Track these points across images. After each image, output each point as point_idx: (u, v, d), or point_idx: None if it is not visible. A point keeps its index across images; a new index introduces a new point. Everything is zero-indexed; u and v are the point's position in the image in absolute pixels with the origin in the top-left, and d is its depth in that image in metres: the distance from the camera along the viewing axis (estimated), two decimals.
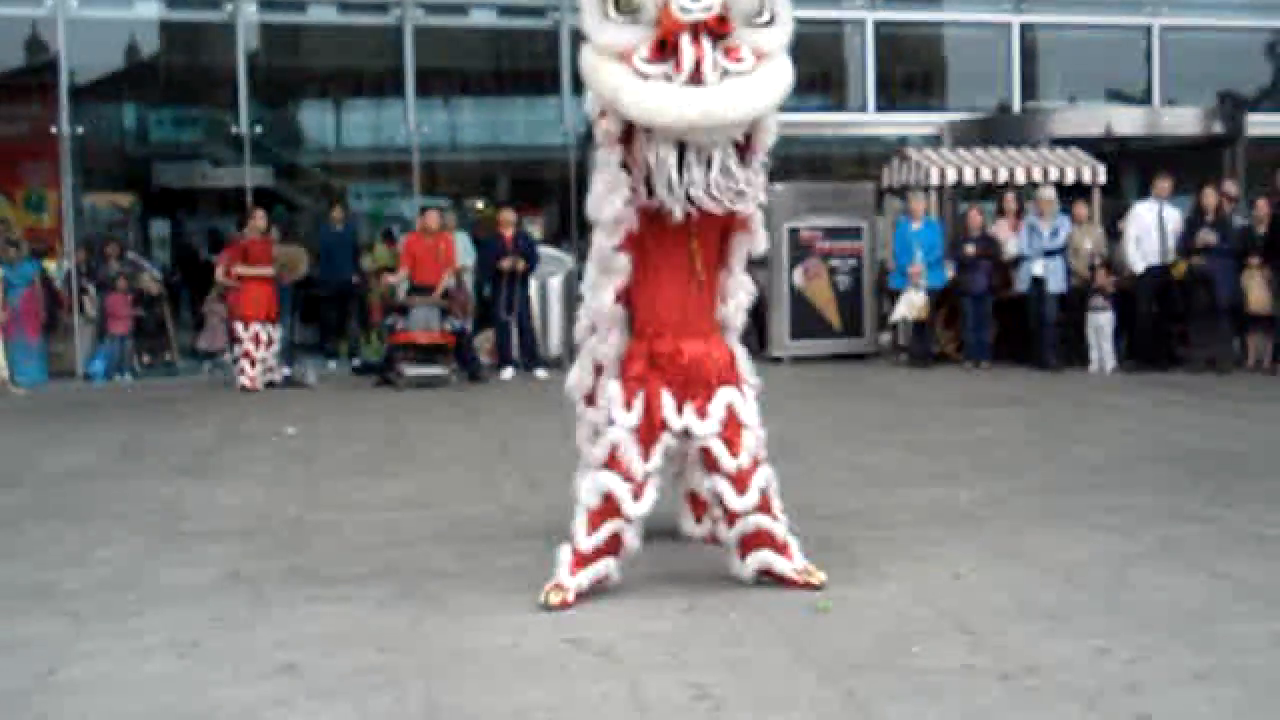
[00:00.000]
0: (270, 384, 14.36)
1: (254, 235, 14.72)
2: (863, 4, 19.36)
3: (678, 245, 5.68)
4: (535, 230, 16.08)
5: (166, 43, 19.39)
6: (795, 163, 17.84)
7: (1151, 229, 14.05)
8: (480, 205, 21.03)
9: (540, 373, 14.82)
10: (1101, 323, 14.21)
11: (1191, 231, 13.86)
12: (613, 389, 5.73)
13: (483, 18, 19.13)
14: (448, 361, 14.38)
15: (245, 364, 14.26)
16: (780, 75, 5.43)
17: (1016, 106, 19.42)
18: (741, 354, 6.02)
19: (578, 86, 18.62)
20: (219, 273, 14.99)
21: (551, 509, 7.33)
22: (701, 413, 5.66)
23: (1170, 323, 14.21)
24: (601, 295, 5.86)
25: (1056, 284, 14.30)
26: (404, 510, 7.70)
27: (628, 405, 5.64)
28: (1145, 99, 19.88)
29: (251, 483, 8.75)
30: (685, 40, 5.19)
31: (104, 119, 19.26)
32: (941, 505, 7.47)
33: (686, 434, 5.68)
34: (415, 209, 16.86)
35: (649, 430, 5.62)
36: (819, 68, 19.95)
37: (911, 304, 15.01)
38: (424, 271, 14.52)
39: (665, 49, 5.23)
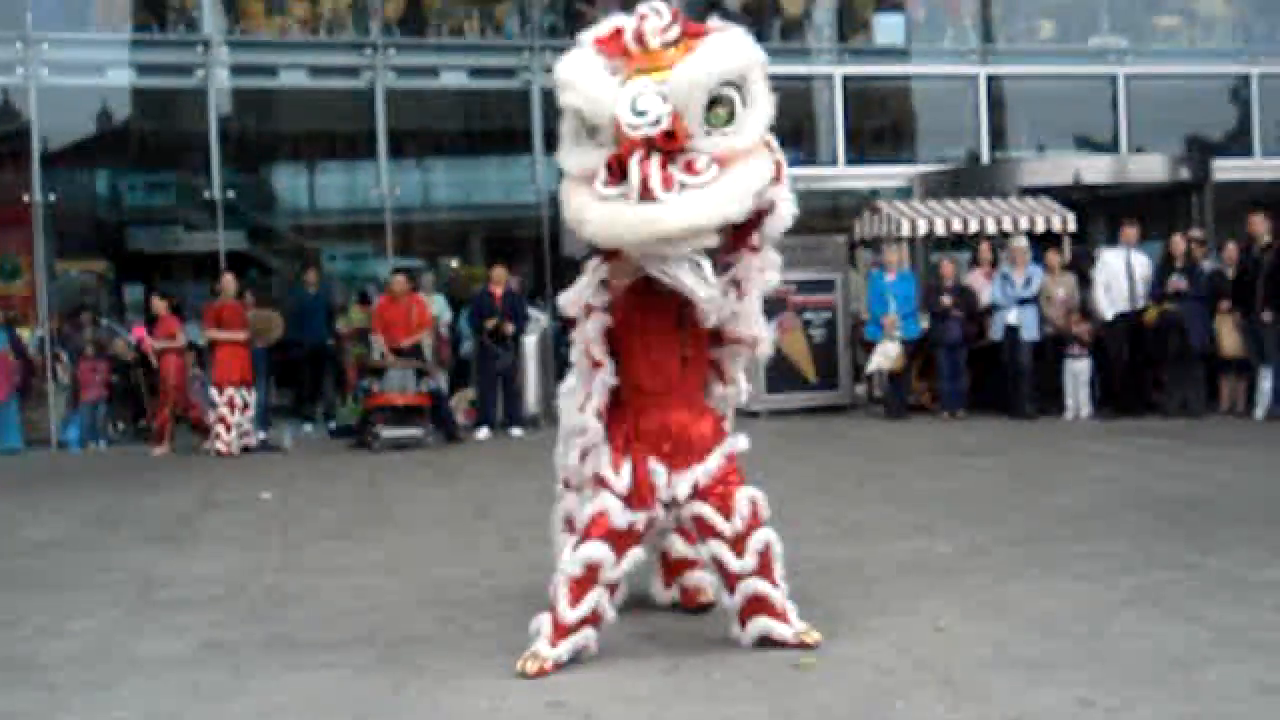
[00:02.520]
0: (246, 449, 14.31)
1: (226, 300, 14.73)
2: (830, 59, 19.54)
3: (664, 319, 5.58)
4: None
5: (138, 109, 19.41)
6: None
7: (1120, 276, 14.15)
8: (455, 264, 21.06)
9: (516, 432, 14.80)
10: (1079, 370, 14.27)
11: (1162, 277, 13.96)
12: (601, 452, 5.61)
13: (453, 79, 19.22)
14: (424, 423, 14.33)
15: (220, 429, 14.21)
16: (745, 179, 5.24)
17: (985, 157, 19.56)
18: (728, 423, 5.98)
19: (549, 145, 18.84)
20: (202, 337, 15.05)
21: (529, 570, 7.31)
22: (689, 480, 5.59)
23: (1144, 369, 14.27)
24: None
25: (1030, 332, 14.37)
26: (382, 575, 7.66)
27: (616, 469, 5.54)
28: (1113, 147, 20.06)
29: (228, 549, 8.69)
30: (634, 159, 5.09)
31: (77, 185, 19.25)
32: (921, 557, 7.46)
33: (674, 503, 5.61)
34: (389, 270, 16.89)
35: (638, 498, 5.52)
36: (789, 122, 20.08)
37: (886, 355, 15.06)
38: (397, 335, 14.53)
39: (622, 170, 5.15)
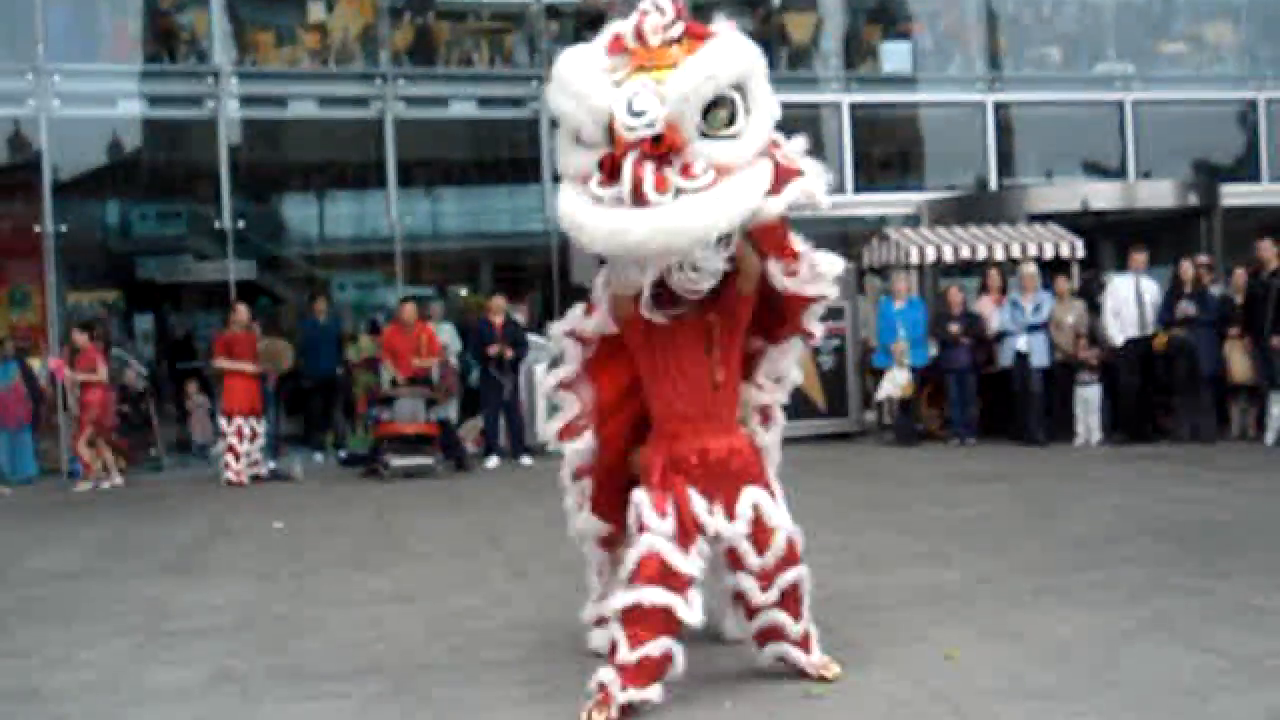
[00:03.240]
0: (256, 478, 14.32)
1: (236, 330, 14.77)
2: (838, 87, 19.59)
3: (693, 341, 5.46)
4: (520, 316, 16.11)
5: (149, 140, 19.46)
6: None
7: (1130, 302, 14.14)
8: (464, 293, 21.09)
9: (526, 460, 14.80)
10: (1089, 396, 14.25)
11: (1171, 303, 13.96)
12: (640, 497, 5.36)
13: (462, 109, 19.30)
14: (434, 451, 14.34)
15: (230, 458, 14.23)
16: (744, 188, 5.06)
17: (993, 184, 19.58)
18: (772, 440, 6.12)
19: (558, 175, 18.88)
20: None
21: (540, 598, 7.32)
22: (730, 513, 5.41)
23: (1154, 395, 14.25)
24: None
25: (1040, 359, 14.36)
26: (392, 604, 7.66)
27: (661, 511, 5.29)
28: (1120, 173, 20.08)
29: (238, 579, 8.70)
30: (628, 161, 4.90)
31: (87, 216, 19.28)
32: (932, 585, 7.44)
33: (718, 536, 5.41)
34: (398, 299, 16.92)
35: (684, 534, 5.28)
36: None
37: (896, 382, 15.05)
38: (406, 364, 14.55)
39: (615, 170, 4.97)
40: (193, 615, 7.61)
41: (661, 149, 4.90)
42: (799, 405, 15.73)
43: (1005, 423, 14.84)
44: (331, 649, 6.59)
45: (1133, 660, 5.73)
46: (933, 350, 15.16)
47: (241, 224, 17.36)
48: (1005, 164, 19.97)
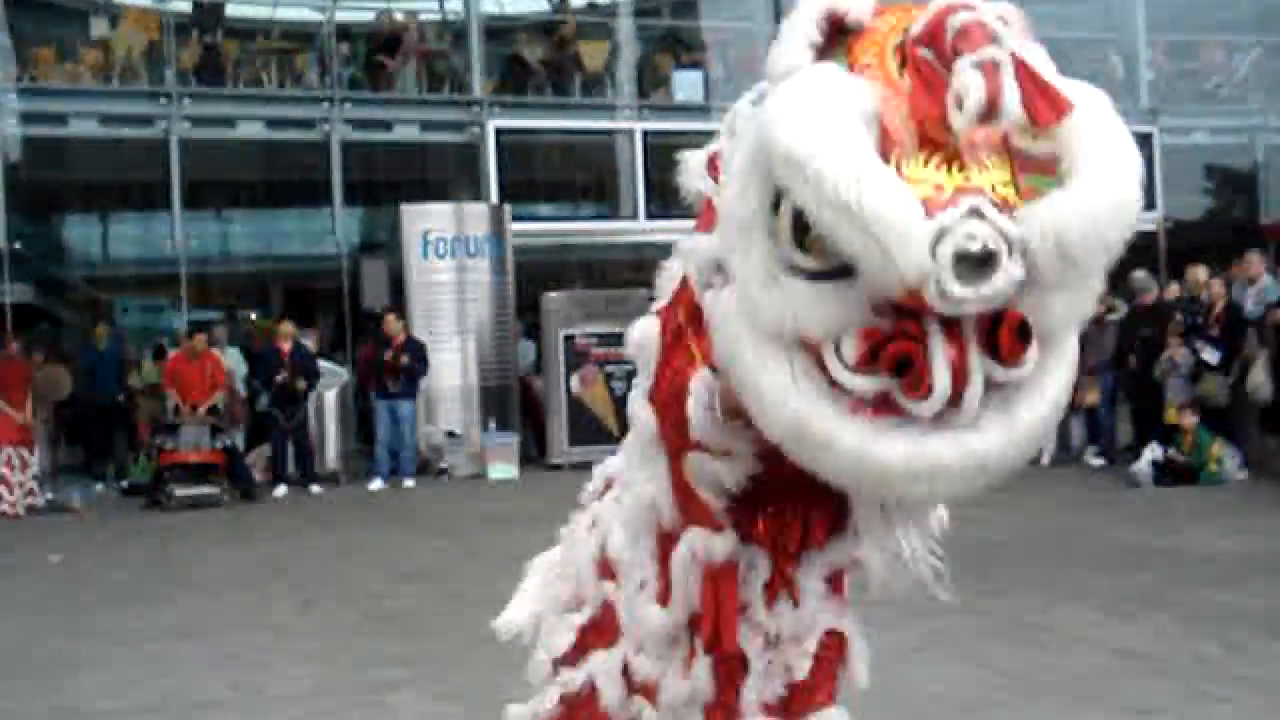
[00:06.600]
0: (32, 509, 13.81)
1: (7, 357, 14.23)
2: (630, 114, 19.76)
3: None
4: (309, 342, 15.82)
5: None
6: (570, 270, 18.08)
7: None
8: (253, 317, 20.72)
9: (315, 489, 14.57)
10: None
11: None
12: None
13: (251, 130, 18.96)
14: (220, 480, 14.01)
15: (2, 490, 13.70)
16: (1067, 378, 2.16)
17: None
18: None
19: (348, 197, 18.74)
20: None
21: (325, 630, 7.22)
22: None
23: None
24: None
25: None
26: (174, 639, 7.45)
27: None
28: None
29: (12, 616, 8.39)
30: (939, 342, 2.02)
31: None
32: None
33: None
34: (185, 322, 16.53)
35: None
36: (592, 176, 20.23)
37: None
38: (192, 393, 14.20)
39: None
40: None
41: (1008, 350, 2.08)
42: (593, 431, 15.89)
43: None
44: (111, 687, 6.39)
45: (912, 677, 5.88)
46: None
47: (18, 244, 16.79)
48: None
